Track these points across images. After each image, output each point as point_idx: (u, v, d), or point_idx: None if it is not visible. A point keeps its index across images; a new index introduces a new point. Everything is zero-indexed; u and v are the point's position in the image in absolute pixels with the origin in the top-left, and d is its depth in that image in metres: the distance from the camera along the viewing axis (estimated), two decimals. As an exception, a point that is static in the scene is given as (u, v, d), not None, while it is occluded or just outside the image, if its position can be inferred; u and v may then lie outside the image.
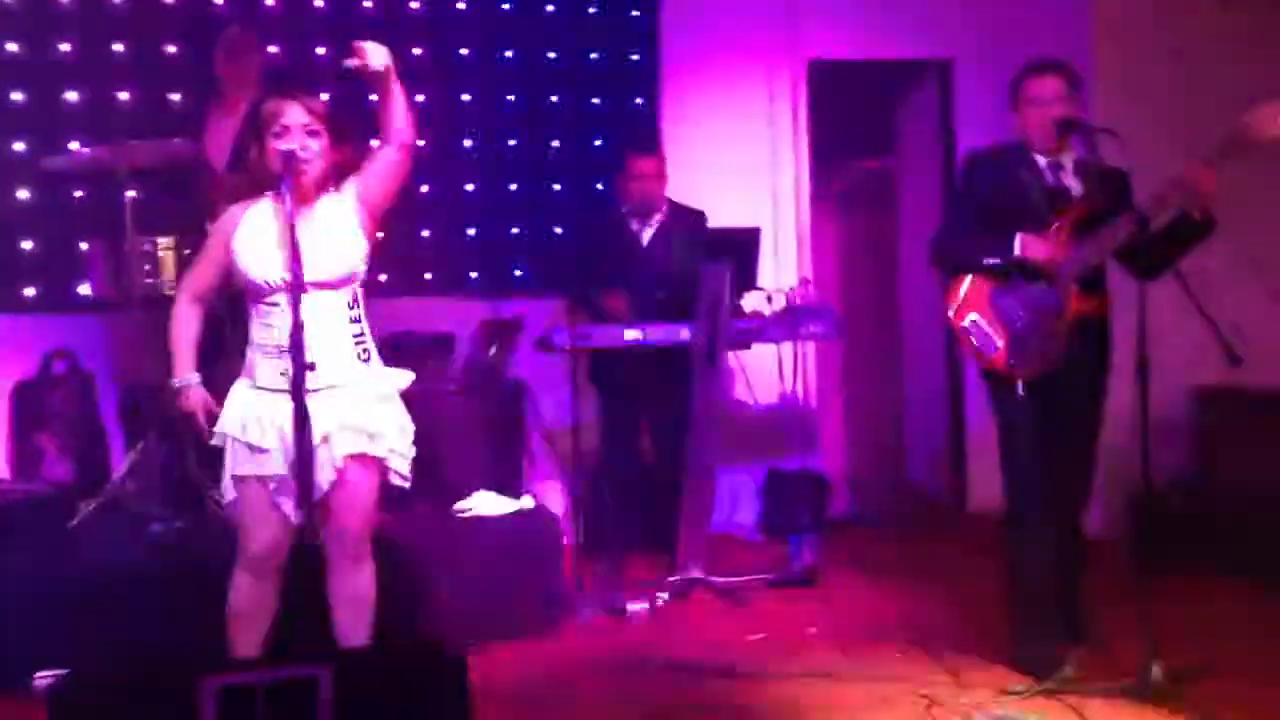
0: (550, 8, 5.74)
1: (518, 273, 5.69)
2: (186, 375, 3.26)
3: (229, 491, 3.25)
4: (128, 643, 3.71)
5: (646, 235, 5.14)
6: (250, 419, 3.18)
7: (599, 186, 5.44)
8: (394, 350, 5.24)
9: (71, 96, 5.16)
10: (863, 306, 7.17)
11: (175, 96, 5.25)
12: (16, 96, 5.11)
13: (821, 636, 4.25)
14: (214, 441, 3.24)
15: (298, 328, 2.95)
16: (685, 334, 4.75)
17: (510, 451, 5.12)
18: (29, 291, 5.16)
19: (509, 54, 5.68)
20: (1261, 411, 5.19)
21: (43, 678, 3.50)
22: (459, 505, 4.54)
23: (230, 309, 3.65)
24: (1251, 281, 5.25)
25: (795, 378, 5.70)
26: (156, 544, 4.05)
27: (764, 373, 5.84)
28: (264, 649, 3.23)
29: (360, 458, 3.18)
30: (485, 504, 4.54)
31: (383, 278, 5.38)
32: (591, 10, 5.78)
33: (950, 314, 3.74)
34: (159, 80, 5.25)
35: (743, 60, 6.00)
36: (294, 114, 3.18)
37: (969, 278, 3.72)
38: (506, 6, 5.67)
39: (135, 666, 2.70)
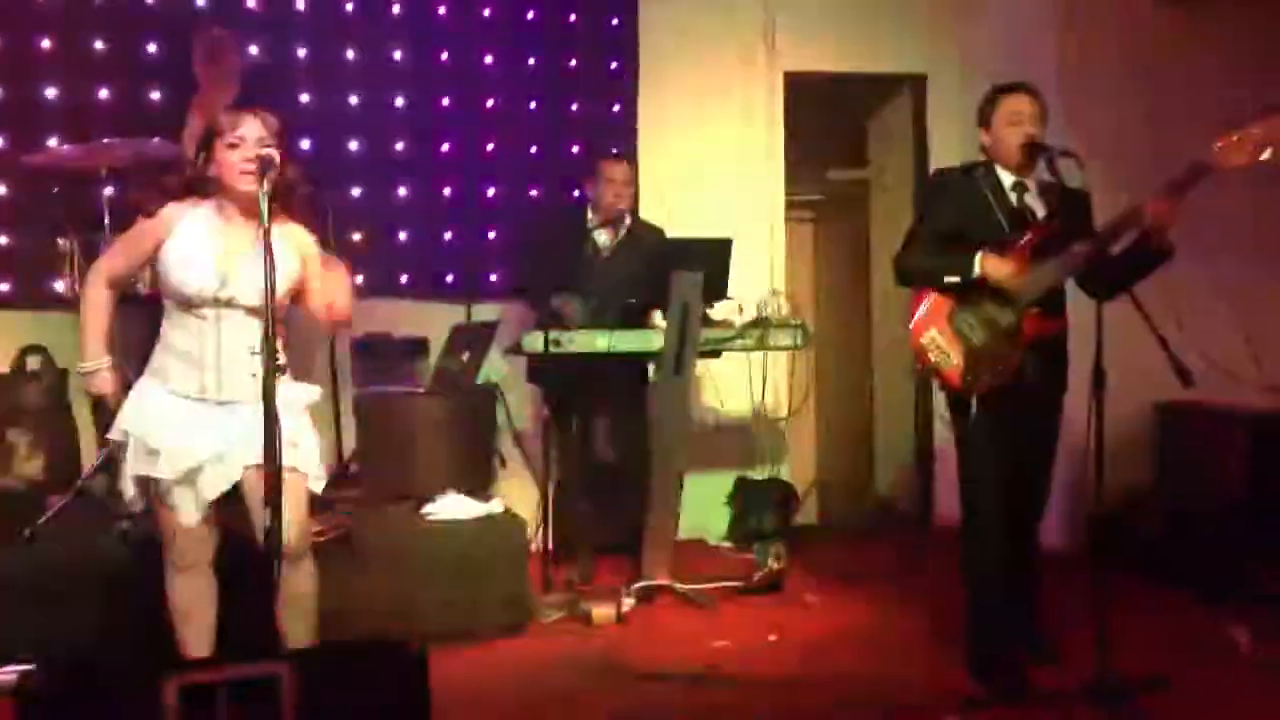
0: (530, 14, 5.78)
1: (493, 277, 5.72)
2: (98, 359, 3.29)
3: (129, 488, 3.30)
4: (96, 637, 3.75)
5: (607, 245, 5.14)
6: (153, 419, 3.21)
7: (575, 193, 5.47)
8: (367, 352, 5.33)
9: (51, 93, 5.17)
10: (835, 317, 7.25)
11: (155, 95, 5.27)
12: (-4, 92, 5.13)
13: (783, 643, 4.31)
14: (111, 435, 3.28)
15: (268, 338, 2.94)
16: (655, 341, 4.80)
17: (480, 455, 5.15)
18: (4, 287, 5.19)
19: (488, 59, 5.72)
20: (1220, 427, 5.28)
21: (6, 673, 3.53)
22: (427, 508, 4.58)
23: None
24: (1216, 301, 5.33)
25: (765, 387, 5.79)
26: (124, 539, 4.07)
27: (734, 382, 5.92)
28: (213, 646, 3.28)
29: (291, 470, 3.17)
30: (453, 507, 4.58)
31: (359, 279, 5.43)
32: (571, 18, 5.82)
33: (910, 328, 3.81)
34: (139, 78, 5.26)
35: (720, 71, 6.08)
36: (250, 127, 3.18)
37: (930, 294, 3.78)
38: (487, 13, 5.71)
39: (101, 663, 2.73)
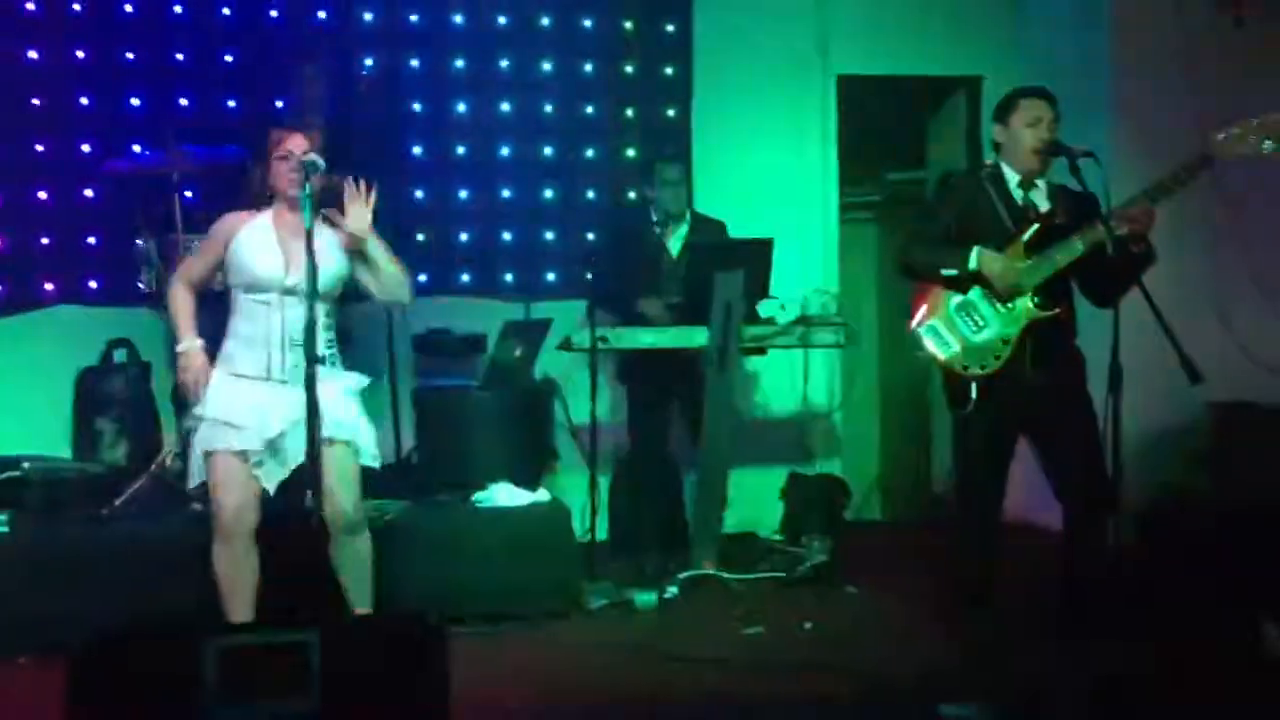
0: (587, 22, 5.96)
1: (550, 276, 5.92)
2: (190, 340, 3.67)
3: (196, 476, 3.66)
4: (162, 610, 4.02)
5: (672, 243, 5.33)
6: (228, 400, 3.59)
7: (631, 195, 5.64)
8: (427, 347, 5.55)
9: (135, 102, 5.50)
10: (895, 314, 7.29)
11: (231, 103, 5.57)
12: (84, 101, 5.45)
13: (819, 632, 4.39)
14: (188, 423, 3.68)
15: (310, 325, 3.34)
16: (701, 338, 4.95)
17: (533, 446, 5.34)
18: (92, 284, 5.52)
19: (546, 66, 5.93)
20: (1273, 426, 5.25)
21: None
22: (477, 496, 4.78)
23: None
24: (1260, 299, 5.31)
25: (810, 384, 5.89)
26: (194, 521, 4.34)
27: (788, 378, 6.04)
28: (255, 612, 3.58)
29: (345, 445, 3.61)
30: (503, 495, 4.77)
31: (421, 278, 5.68)
32: (627, 25, 6.00)
33: (914, 319, 3.92)
34: (215, 88, 5.57)
35: (773, 75, 6.19)
36: (295, 141, 3.64)
37: (931, 285, 3.91)
38: (545, 21, 5.91)
39: (147, 631, 2.96)
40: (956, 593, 4.08)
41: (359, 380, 3.81)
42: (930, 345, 3.89)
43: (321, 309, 3.58)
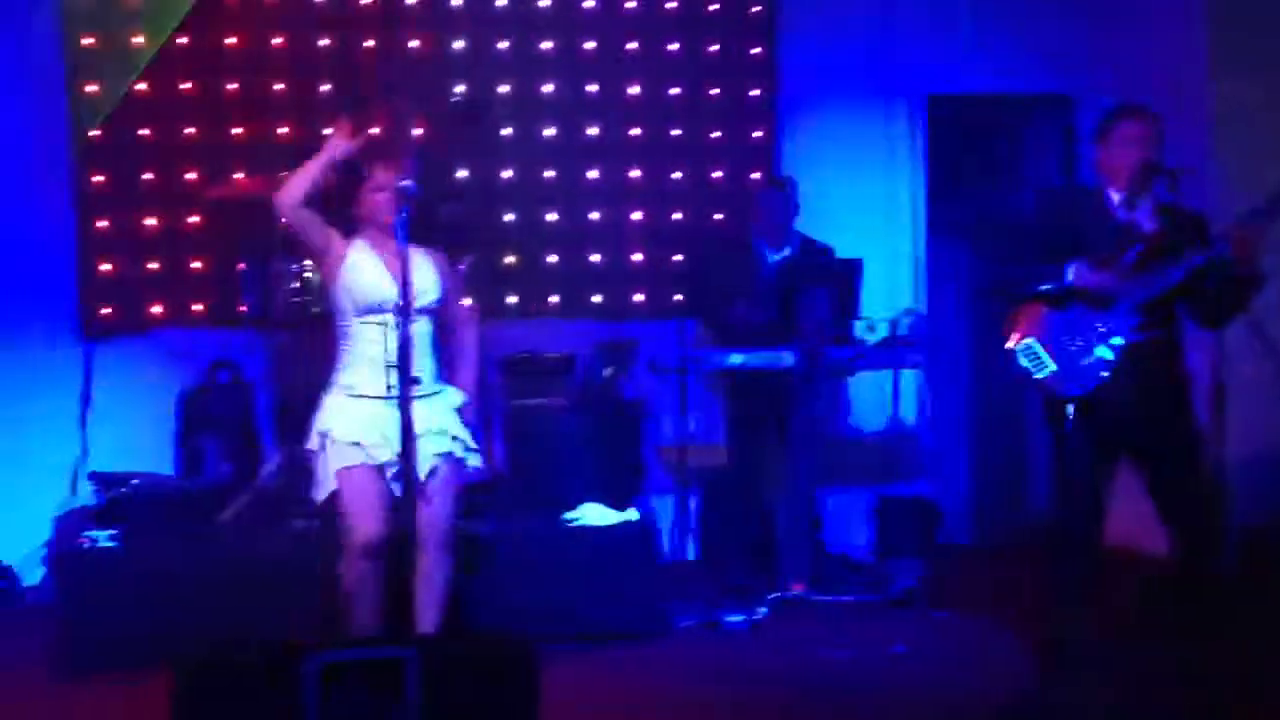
0: (673, 45, 6.00)
1: (637, 297, 5.97)
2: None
3: (324, 489, 3.72)
4: (266, 624, 4.11)
5: (777, 264, 5.35)
6: (352, 420, 3.70)
7: (717, 216, 5.67)
8: (517, 368, 5.63)
9: (236, 131, 5.67)
10: (986, 335, 7.20)
11: (327, 132, 5.69)
12: (189, 131, 5.64)
13: (909, 656, 4.36)
14: (309, 445, 3.76)
15: (405, 343, 3.46)
16: (788, 359, 4.95)
17: (622, 466, 5.39)
18: (197, 307, 5.68)
19: (632, 89, 5.97)
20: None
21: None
22: (567, 515, 4.83)
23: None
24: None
25: (899, 405, 5.85)
26: (295, 538, 4.47)
27: (877, 399, 6.01)
28: (380, 625, 3.62)
29: (447, 455, 3.73)
30: (592, 514, 4.82)
31: (511, 300, 5.78)
32: (712, 47, 6.03)
33: (1008, 338, 3.87)
34: (314, 117, 5.70)
35: (861, 94, 6.18)
36: (387, 173, 3.76)
37: (1028, 304, 3.84)
38: (632, 46, 5.96)
39: (250, 646, 3.06)
40: (1054, 620, 3.99)
41: (457, 395, 3.89)
42: (1026, 365, 3.83)
43: (425, 327, 3.73)
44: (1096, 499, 3.80)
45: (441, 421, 3.75)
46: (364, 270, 3.76)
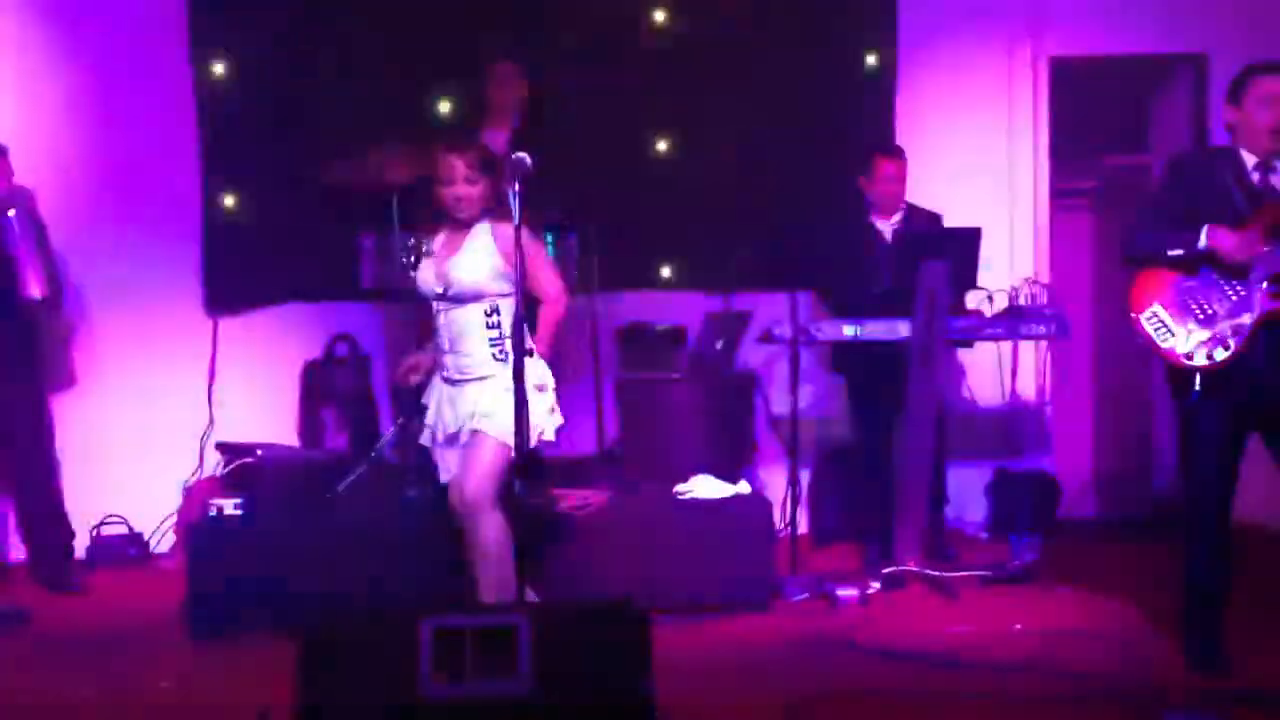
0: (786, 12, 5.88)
1: (749, 268, 5.88)
2: None
3: (445, 471, 4.07)
4: (382, 590, 4.26)
5: (888, 233, 5.27)
6: (431, 400, 4.05)
7: (829, 186, 5.56)
8: (629, 340, 5.64)
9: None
10: (1111, 304, 6.99)
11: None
12: (312, 108, 5.70)
13: (1028, 633, 4.28)
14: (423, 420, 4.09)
15: (518, 322, 3.53)
16: (904, 330, 4.87)
17: (734, 439, 5.37)
18: (318, 282, 5.79)
19: (743, 57, 5.85)
20: None
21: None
22: (680, 487, 4.83)
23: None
24: None
25: (1019, 377, 5.71)
26: (410, 507, 4.56)
27: (995, 372, 5.88)
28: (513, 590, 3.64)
29: (478, 434, 3.84)
30: (704, 487, 4.81)
31: (623, 272, 5.76)
32: (829, 12, 5.91)
33: (1131, 304, 3.74)
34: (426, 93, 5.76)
35: (981, 58, 6.02)
36: (457, 166, 3.89)
37: (1154, 271, 3.71)
38: (745, 14, 5.86)
39: (370, 610, 3.15)
40: (1185, 596, 3.87)
41: (539, 372, 3.91)
42: (1151, 333, 3.70)
43: (479, 310, 3.88)
44: (1225, 473, 3.67)
45: (474, 402, 3.86)
46: (427, 264, 3.99)
